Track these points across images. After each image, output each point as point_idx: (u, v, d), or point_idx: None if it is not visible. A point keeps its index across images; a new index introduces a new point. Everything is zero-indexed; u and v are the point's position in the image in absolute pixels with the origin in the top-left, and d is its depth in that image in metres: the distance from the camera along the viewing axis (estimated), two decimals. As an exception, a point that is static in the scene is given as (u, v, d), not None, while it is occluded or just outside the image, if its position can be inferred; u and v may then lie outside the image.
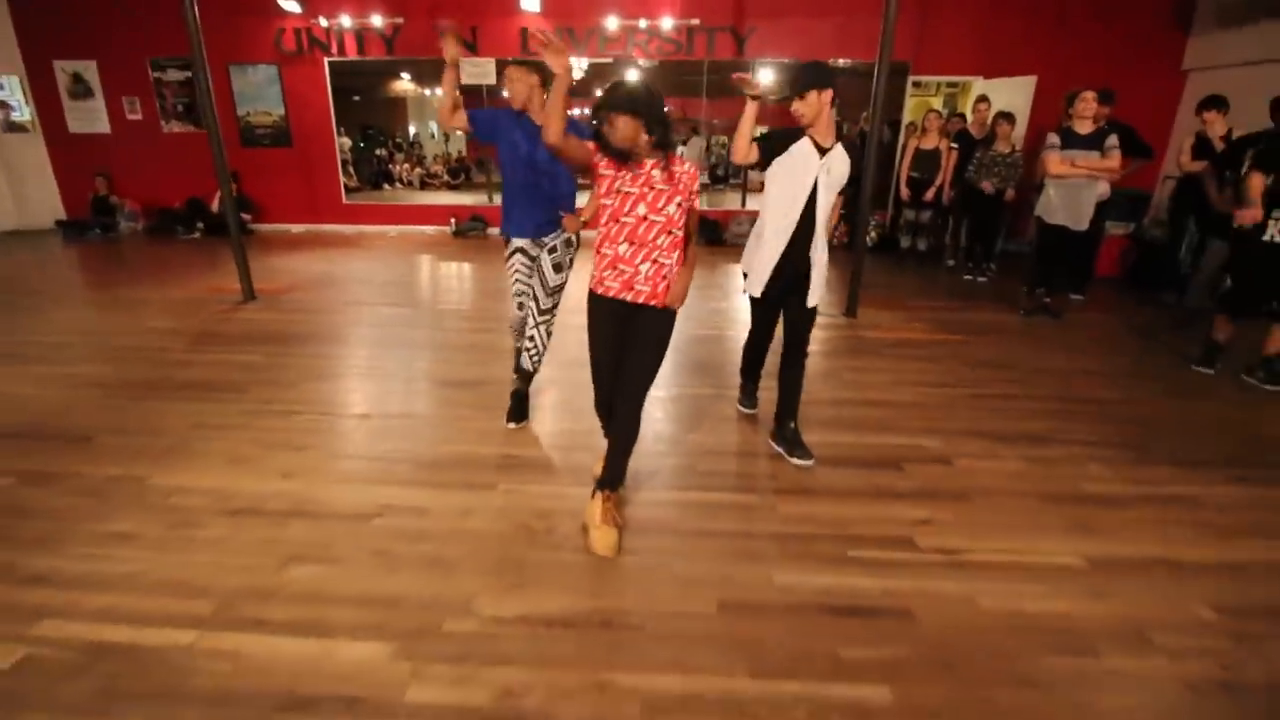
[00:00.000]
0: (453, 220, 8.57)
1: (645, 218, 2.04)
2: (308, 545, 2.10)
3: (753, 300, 2.77)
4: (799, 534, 2.20)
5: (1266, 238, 3.56)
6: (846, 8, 7.30)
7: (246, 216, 8.36)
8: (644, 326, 2.11)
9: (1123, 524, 2.34)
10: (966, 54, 7.43)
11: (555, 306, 2.98)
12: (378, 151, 14.51)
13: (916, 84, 8.04)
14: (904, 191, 6.55)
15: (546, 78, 2.43)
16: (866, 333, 4.54)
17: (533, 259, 2.95)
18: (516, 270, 2.96)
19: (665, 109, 2.00)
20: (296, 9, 7.66)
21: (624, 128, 1.93)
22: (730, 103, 13.06)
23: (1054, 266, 4.93)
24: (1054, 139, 4.56)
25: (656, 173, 2.02)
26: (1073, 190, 4.58)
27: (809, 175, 2.48)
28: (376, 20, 7.70)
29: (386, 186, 13.45)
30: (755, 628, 1.78)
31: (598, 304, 2.13)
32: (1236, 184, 4.09)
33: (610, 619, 1.80)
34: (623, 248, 2.06)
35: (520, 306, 3.01)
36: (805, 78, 2.43)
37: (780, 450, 2.79)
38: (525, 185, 2.80)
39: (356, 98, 14.09)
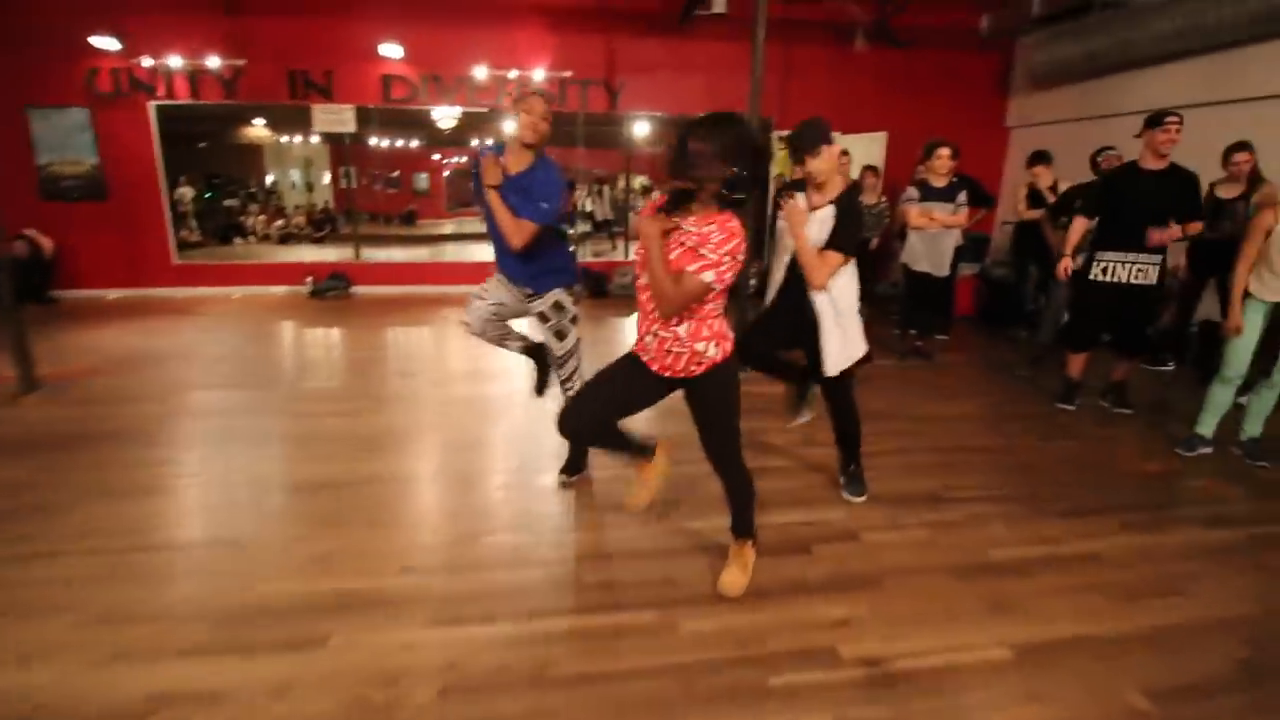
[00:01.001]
0: (309, 279, 7.72)
1: (642, 283, 1.88)
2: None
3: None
4: (708, 661, 1.87)
5: (1092, 277, 3.78)
6: (712, 65, 7.50)
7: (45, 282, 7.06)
8: (699, 400, 2.06)
9: (1036, 596, 2.22)
10: (825, 110, 7.78)
11: (574, 372, 2.82)
12: (226, 202, 13.19)
13: (781, 139, 8.39)
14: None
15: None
16: (744, 387, 4.40)
17: (516, 300, 2.76)
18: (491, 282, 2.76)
19: None
20: (114, 47, 6.72)
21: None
22: (607, 153, 13.16)
23: (922, 311, 5.12)
24: (912, 192, 4.76)
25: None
26: (933, 239, 4.79)
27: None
28: (213, 62, 6.91)
29: (238, 240, 12.17)
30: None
31: (628, 357, 2.08)
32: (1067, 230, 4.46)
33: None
34: (635, 320, 2.00)
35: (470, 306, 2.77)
36: (814, 134, 2.39)
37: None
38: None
39: (202, 144, 12.80)
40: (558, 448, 3.35)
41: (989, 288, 6.70)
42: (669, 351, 1.90)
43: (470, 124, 12.01)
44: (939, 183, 4.68)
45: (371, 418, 3.75)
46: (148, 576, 2.25)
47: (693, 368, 1.92)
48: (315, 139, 14.14)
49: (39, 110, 6.90)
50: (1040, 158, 5.39)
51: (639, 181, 13.28)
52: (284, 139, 14.29)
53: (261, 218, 13.17)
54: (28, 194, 7.04)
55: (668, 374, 1.95)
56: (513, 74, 7.29)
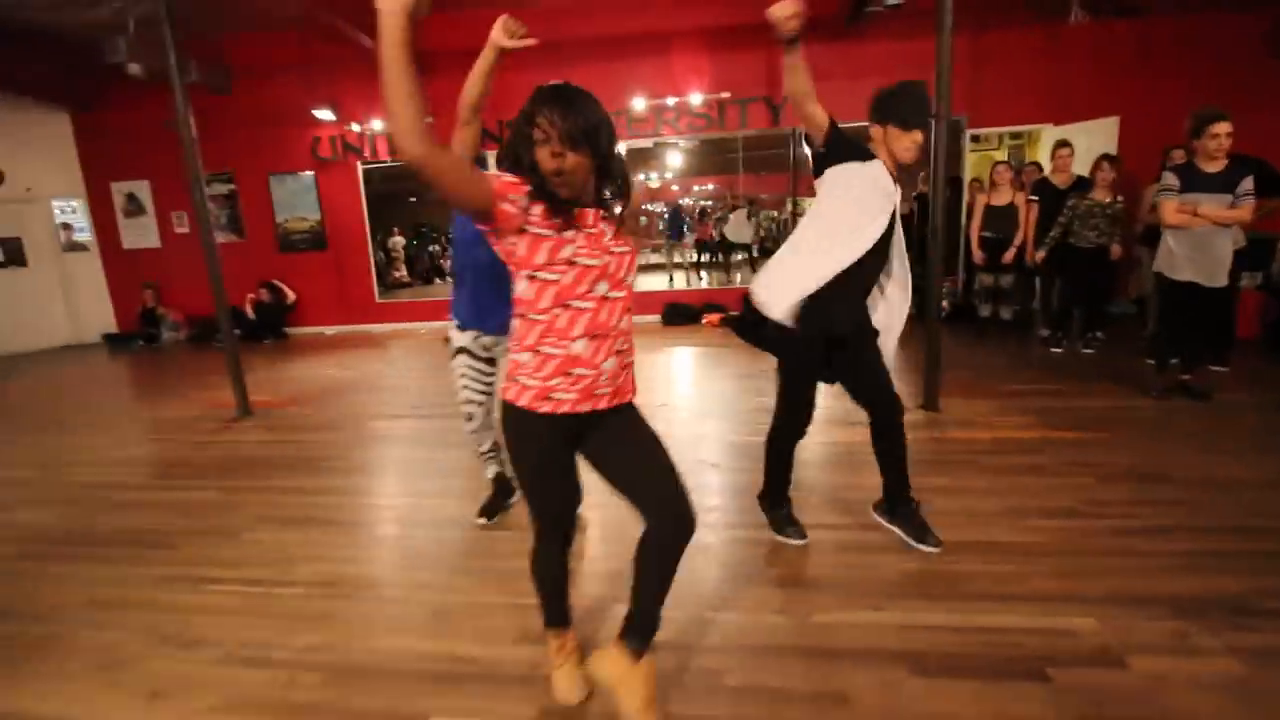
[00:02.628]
0: (483, 313, 8.21)
1: (606, 297, 1.40)
2: None
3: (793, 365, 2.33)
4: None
5: None
6: (888, 66, 6.72)
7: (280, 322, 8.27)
8: (623, 425, 1.54)
9: None
10: (1031, 101, 6.68)
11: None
12: (430, 248, 14.86)
13: (975, 138, 7.31)
14: (977, 254, 5.69)
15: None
16: (953, 432, 3.61)
17: (487, 363, 2.52)
18: (465, 374, 2.54)
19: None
20: (331, 117, 7.76)
21: (576, 166, 1.32)
22: (768, 179, 12.65)
23: (1188, 333, 3.91)
24: (1171, 180, 3.68)
25: (605, 228, 1.41)
26: (1202, 239, 3.64)
27: (882, 203, 2.16)
28: (406, 121, 7.68)
29: (438, 281, 13.68)
30: None
31: (540, 424, 1.43)
32: None
33: None
34: (581, 346, 1.39)
35: (471, 418, 2.59)
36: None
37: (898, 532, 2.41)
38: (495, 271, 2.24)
39: (413, 199, 14.69)
40: (709, 499, 2.93)
41: (1280, 304, 5.09)
42: (621, 371, 1.48)
43: (634, 159, 12.33)
44: (1211, 167, 3.56)
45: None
46: (288, 615, 2.21)
47: (627, 388, 1.53)
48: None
49: (277, 176, 8.16)
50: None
51: (806, 204, 12.58)
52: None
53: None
54: (269, 248, 8.34)
55: (601, 406, 1.46)
56: (670, 101, 7.18)
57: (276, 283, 8.32)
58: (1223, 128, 3.48)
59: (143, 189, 8.46)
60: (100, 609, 2.30)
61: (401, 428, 4.33)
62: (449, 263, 14.40)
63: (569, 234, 1.35)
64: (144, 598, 2.36)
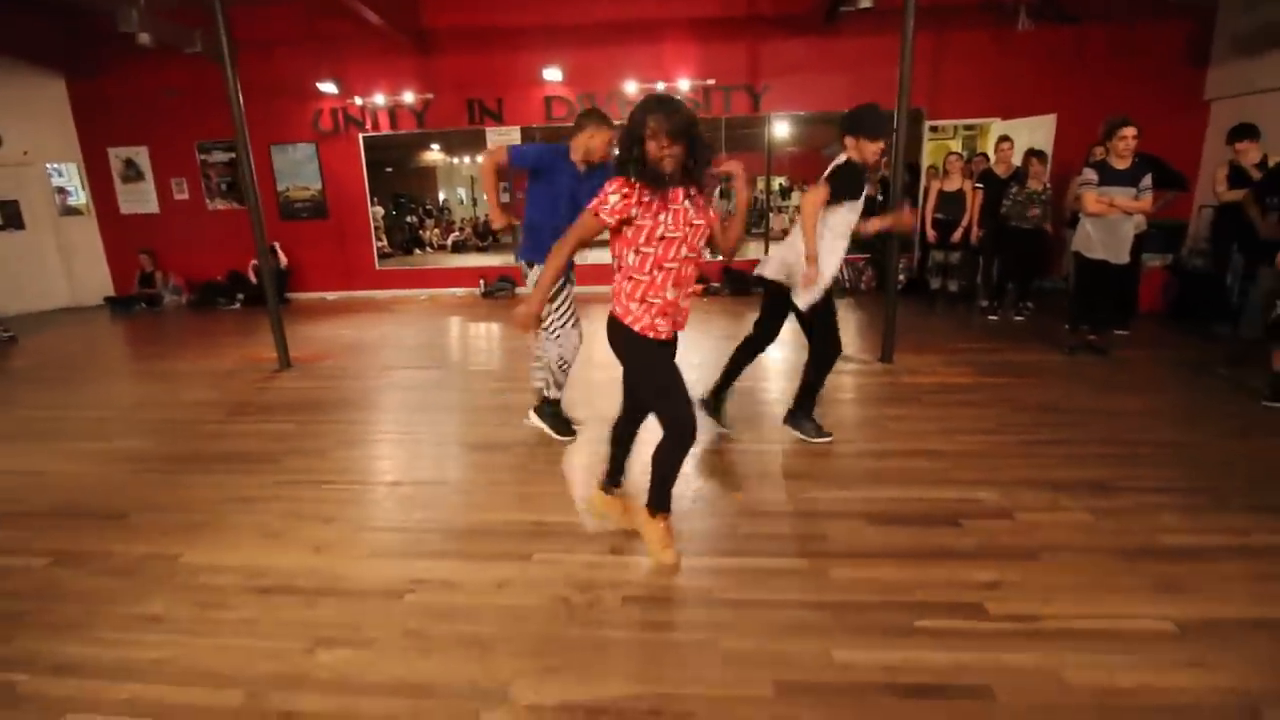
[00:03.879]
0: (482, 282, 8.73)
1: (686, 258, 2.08)
2: (338, 626, 2.02)
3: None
4: (856, 602, 2.05)
5: None
6: (857, 60, 7.44)
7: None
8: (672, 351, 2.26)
9: (1211, 581, 2.13)
10: (983, 96, 7.47)
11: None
12: (408, 219, 15.07)
13: (934, 128, 8.09)
14: (930, 234, 6.49)
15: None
16: (904, 378, 4.40)
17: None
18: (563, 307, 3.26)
19: None
20: (334, 91, 8.09)
21: (677, 155, 1.95)
22: (744, 156, 13.31)
23: (1096, 301, 4.77)
24: (1089, 175, 4.49)
25: (690, 206, 2.05)
26: (1111, 224, 4.48)
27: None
28: (408, 97, 8.08)
29: (417, 251, 13.89)
30: (816, 713, 1.63)
31: (657, 347, 2.13)
32: (1280, 210, 3.99)
33: (658, 706, 1.66)
34: (670, 293, 2.09)
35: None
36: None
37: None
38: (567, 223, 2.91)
39: (389, 169, 14.81)
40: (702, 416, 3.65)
41: (1184, 280, 6.03)
42: (682, 307, 2.16)
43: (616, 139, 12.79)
44: (1120, 164, 4.38)
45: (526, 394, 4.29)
46: (392, 503, 2.85)
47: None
48: (480, 158, 15.84)
49: (279, 147, 8.47)
50: (1244, 132, 4.82)
51: (778, 182, 13.28)
52: (454, 160, 16.05)
53: (436, 230, 14.92)
54: (272, 216, 8.66)
55: (678, 330, 2.20)
56: (660, 86, 7.74)
57: (275, 245, 8.63)
58: (1129, 131, 4.29)
59: (141, 155, 8.66)
60: (242, 503, 2.90)
61: (423, 377, 4.93)
62: (428, 233, 14.69)
63: (662, 216, 2.00)
64: (272, 495, 2.97)
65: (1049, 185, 5.86)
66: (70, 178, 8.78)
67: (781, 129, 10.38)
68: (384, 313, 7.76)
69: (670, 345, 2.19)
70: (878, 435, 3.44)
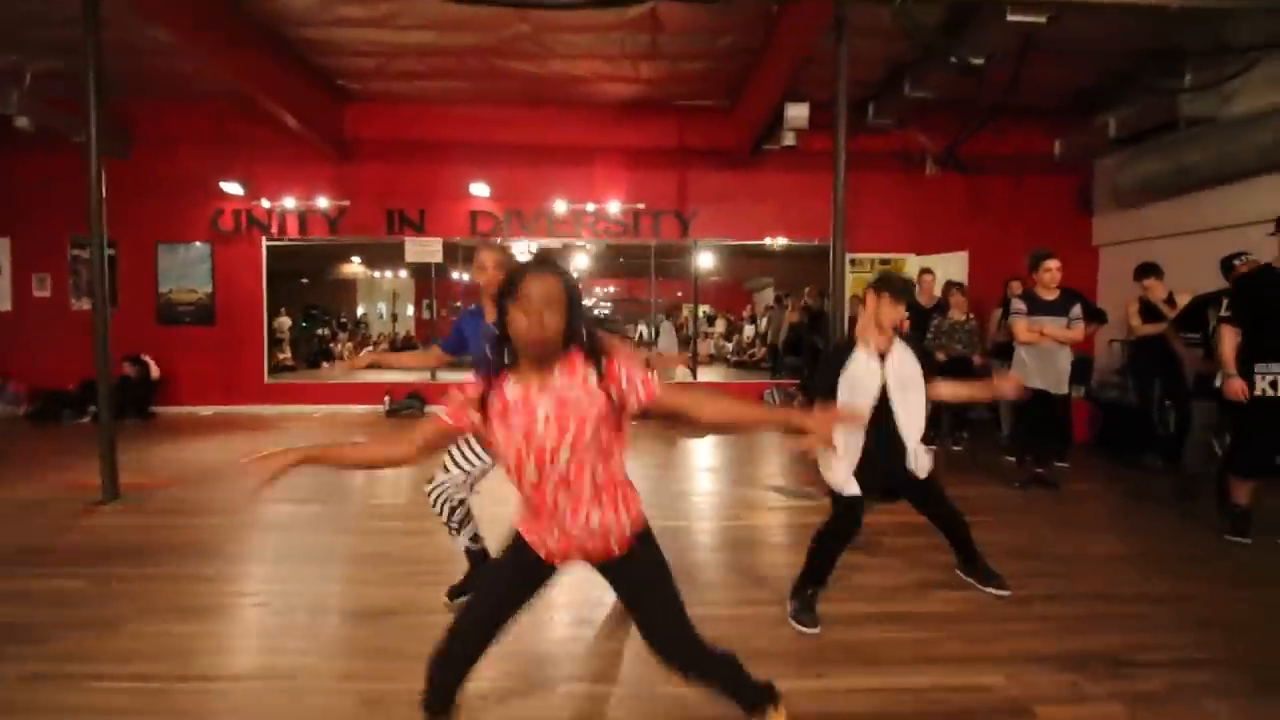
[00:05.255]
0: (387, 398, 7.89)
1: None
2: None
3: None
4: None
5: (1259, 392, 3.36)
6: (784, 192, 7.71)
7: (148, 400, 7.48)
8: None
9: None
10: (898, 233, 7.84)
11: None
12: (319, 331, 14.18)
13: (852, 261, 8.37)
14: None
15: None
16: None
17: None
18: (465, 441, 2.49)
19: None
20: (239, 191, 7.54)
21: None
22: (672, 283, 13.55)
23: (1040, 433, 4.60)
24: (1020, 305, 4.46)
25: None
26: (1047, 354, 4.40)
27: (873, 385, 2.47)
28: (322, 202, 7.63)
29: (325, 365, 12.89)
30: None
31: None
32: (1205, 344, 4.02)
33: None
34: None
35: (447, 470, 2.54)
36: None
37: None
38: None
39: (304, 279, 14.08)
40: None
41: (1104, 411, 6.09)
42: (603, 533, 1.48)
43: (546, 258, 12.79)
44: (1048, 295, 4.38)
45: (439, 538, 3.49)
46: (189, 712, 1.96)
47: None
48: (403, 274, 15.40)
49: (168, 245, 7.69)
50: (1150, 270, 5.05)
51: (704, 310, 13.50)
52: (376, 274, 15.55)
53: (349, 345, 14.03)
54: (147, 319, 7.68)
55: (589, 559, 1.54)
56: (590, 207, 7.70)
57: (144, 357, 7.57)
58: (1053, 264, 4.34)
59: (0, 248, 7.62)
60: (-56, 717, 1.92)
61: (292, 512, 3.99)
62: (339, 346, 13.78)
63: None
64: (11, 697, 2.00)
65: (971, 316, 5.93)
66: (-97, 268, 7.56)
67: (706, 259, 10.63)
68: (268, 431, 6.74)
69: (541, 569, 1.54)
70: (837, 593, 2.85)
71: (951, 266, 7.21)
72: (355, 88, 7.01)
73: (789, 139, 6.52)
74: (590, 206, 7.71)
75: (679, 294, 14.68)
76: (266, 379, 8.01)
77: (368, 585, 2.91)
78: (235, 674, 2.19)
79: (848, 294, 8.06)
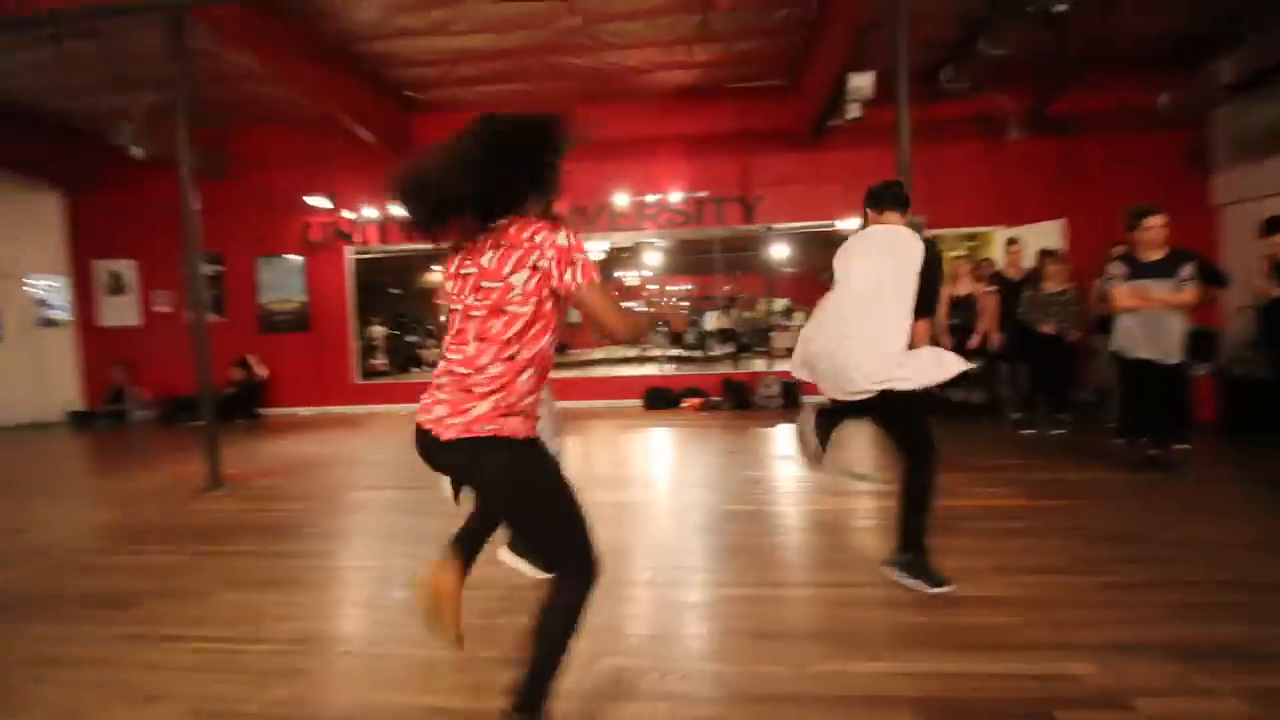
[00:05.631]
0: (464, 395, 8.20)
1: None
2: None
3: None
4: None
5: None
6: (850, 170, 7.34)
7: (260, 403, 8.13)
8: None
9: None
10: (985, 205, 7.29)
11: None
12: (409, 338, 14.98)
13: (936, 239, 7.87)
14: (945, 342, 5.97)
15: None
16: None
17: None
18: None
19: None
20: (327, 205, 8.06)
21: None
22: (747, 278, 13.31)
23: (1150, 409, 4.10)
24: (1117, 268, 4.01)
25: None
26: (1154, 320, 3.91)
27: None
28: (400, 210, 8.00)
29: (414, 369, 13.62)
30: None
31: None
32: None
33: None
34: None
35: None
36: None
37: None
38: None
39: (395, 290, 14.99)
40: (700, 560, 2.91)
41: (1233, 390, 5.39)
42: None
43: (616, 258, 12.88)
44: (1152, 256, 3.90)
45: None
46: (255, 672, 2.07)
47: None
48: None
49: (266, 259, 8.33)
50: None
51: (781, 303, 13.12)
52: (456, 281, 16.27)
53: (436, 350, 14.74)
54: (250, 328, 8.35)
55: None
56: (651, 198, 7.65)
57: (248, 358, 8.24)
58: (1155, 220, 3.86)
59: (129, 268, 8.53)
60: (50, 665, 2.12)
61: (380, 497, 4.22)
62: (428, 352, 14.48)
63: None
64: (102, 655, 2.19)
65: (1072, 286, 5.39)
66: (57, 291, 8.61)
67: (780, 250, 10.31)
68: (357, 429, 7.15)
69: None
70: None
71: (1046, 237, 6.62)
72: (421, 98, 7.31)
73: (854, 112, 6.20)
74: (651, 197, 7.67)
75: (756, 292, 14.40)
76: (357, 380, 8.51)
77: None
78: (300, 638, 2.29)
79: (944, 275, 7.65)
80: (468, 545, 1.72)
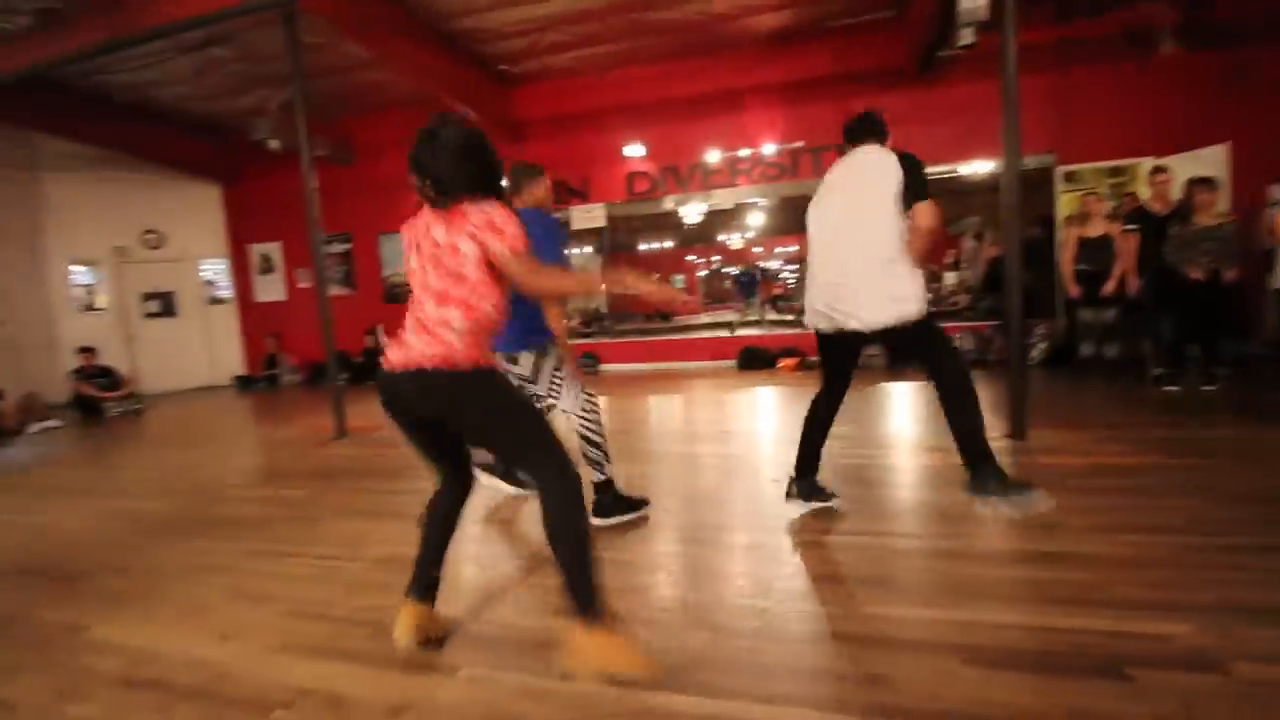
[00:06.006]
0: (564, 358, 8.54)
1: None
2: (168, 748, 1.48)
3: None
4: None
5: None
6: (964, 107, 6.70)
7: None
8: None
9: None
10: (1128, 134, 6.37)
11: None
12: (528, 308, 15.76)
13: (1069, 177, 7.01)
14: (1071, 288, 5.36)
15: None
16: (1041, 459, 3.34)
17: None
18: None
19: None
20: (435, 182, 8.60)
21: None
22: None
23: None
24: (1284, 191, 3.39)
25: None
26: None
27: None
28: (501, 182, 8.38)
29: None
30: None
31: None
32: None
33: None
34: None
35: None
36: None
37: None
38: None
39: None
40: (782, 509, 2.89)
41: None
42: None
43: (714, 221, 12.66)
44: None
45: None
46: (348, 584, 2.34)
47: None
48: (589, 249, 16.44)
49: (386, 235, 9.05)
50: None
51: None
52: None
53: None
54: (377, 300, 9.16)
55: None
56: (744, 153, 7.43)
57: (376, 328, 9.07)
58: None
59: (275, 250, 9.63)
60: (194, 572, 2.54)
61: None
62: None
63: None
64: (232, 564, 2.58)
65: (1229, 219, 4.62)
66: (220, 272, 9.94)
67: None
68: (465, 389, 7.69)
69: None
70: (997, 531, 2.47)
71: (1203, 165, 5.69)
72: (516, 71, 7.52)
73: (967, 38, 5.59)
74: (744, 151, 7.44)
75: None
76: (467, 346, 9.12)
77: (503, 503, 3.20)
78: (390, 559, 2.56)
79: (1060, 215, 6.84)
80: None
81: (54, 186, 8.88)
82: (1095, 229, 5.26)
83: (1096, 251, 5.23)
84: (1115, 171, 7.68)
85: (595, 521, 2.70)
